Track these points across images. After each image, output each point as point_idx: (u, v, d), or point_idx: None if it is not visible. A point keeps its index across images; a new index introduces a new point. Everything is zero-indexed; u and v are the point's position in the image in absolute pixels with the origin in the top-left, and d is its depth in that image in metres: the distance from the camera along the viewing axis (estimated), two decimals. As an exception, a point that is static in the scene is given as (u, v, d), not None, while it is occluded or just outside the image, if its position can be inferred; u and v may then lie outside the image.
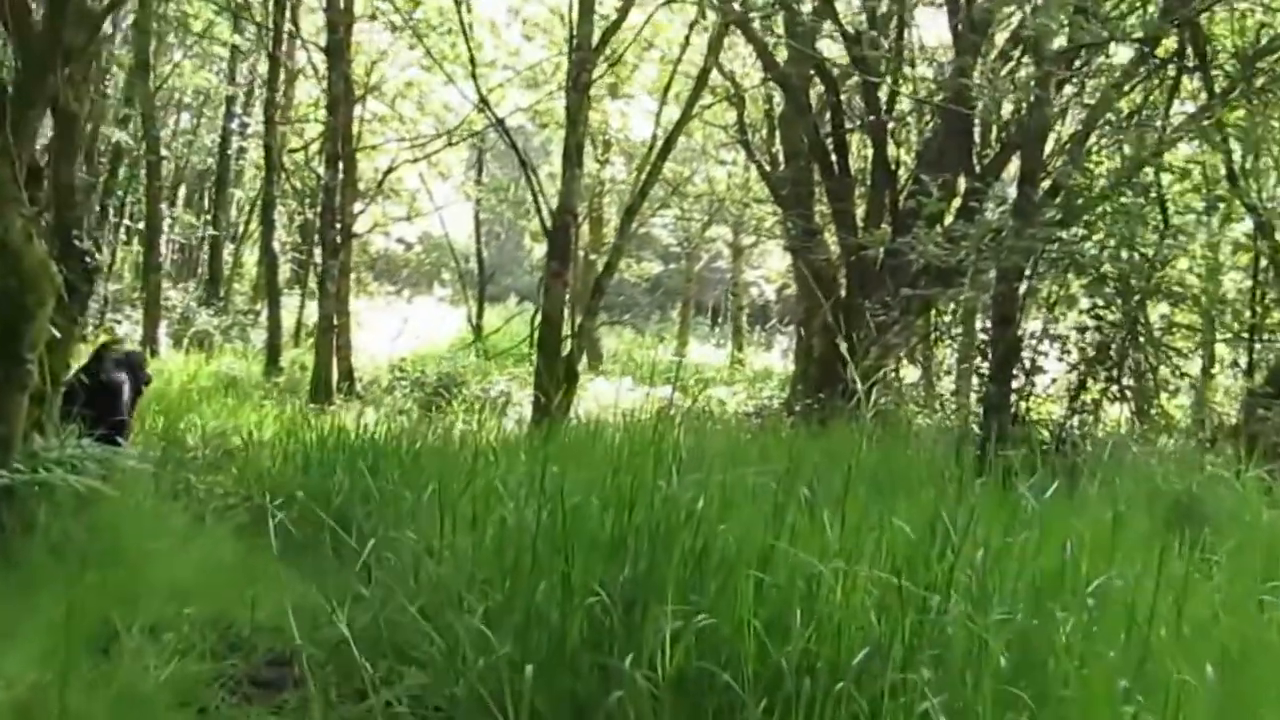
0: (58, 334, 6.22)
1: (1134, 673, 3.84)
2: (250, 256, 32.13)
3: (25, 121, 5.58)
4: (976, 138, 16.23)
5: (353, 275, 24.00)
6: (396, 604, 4.81)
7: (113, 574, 5.62)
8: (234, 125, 29.98)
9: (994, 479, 7.79)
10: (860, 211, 17.66)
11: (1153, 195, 13.39)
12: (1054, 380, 12.91)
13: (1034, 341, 12.58)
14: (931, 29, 18.36)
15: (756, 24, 17.73)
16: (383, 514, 6.54)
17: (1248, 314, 14.90)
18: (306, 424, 12.37)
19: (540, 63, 24.44)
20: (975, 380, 14.12)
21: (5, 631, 4.69)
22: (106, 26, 19.09)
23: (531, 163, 17.43)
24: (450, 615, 4.43)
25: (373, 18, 22.84)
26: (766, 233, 28.17)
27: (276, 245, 24.15)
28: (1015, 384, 11.82)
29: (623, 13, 15.50)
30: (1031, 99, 11.79)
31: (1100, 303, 12.64)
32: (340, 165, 19.35)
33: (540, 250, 26.31)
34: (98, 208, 24.91)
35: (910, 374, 17.73)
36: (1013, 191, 14.51)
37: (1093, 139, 13.96)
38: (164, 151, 26.33)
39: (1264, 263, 14.48)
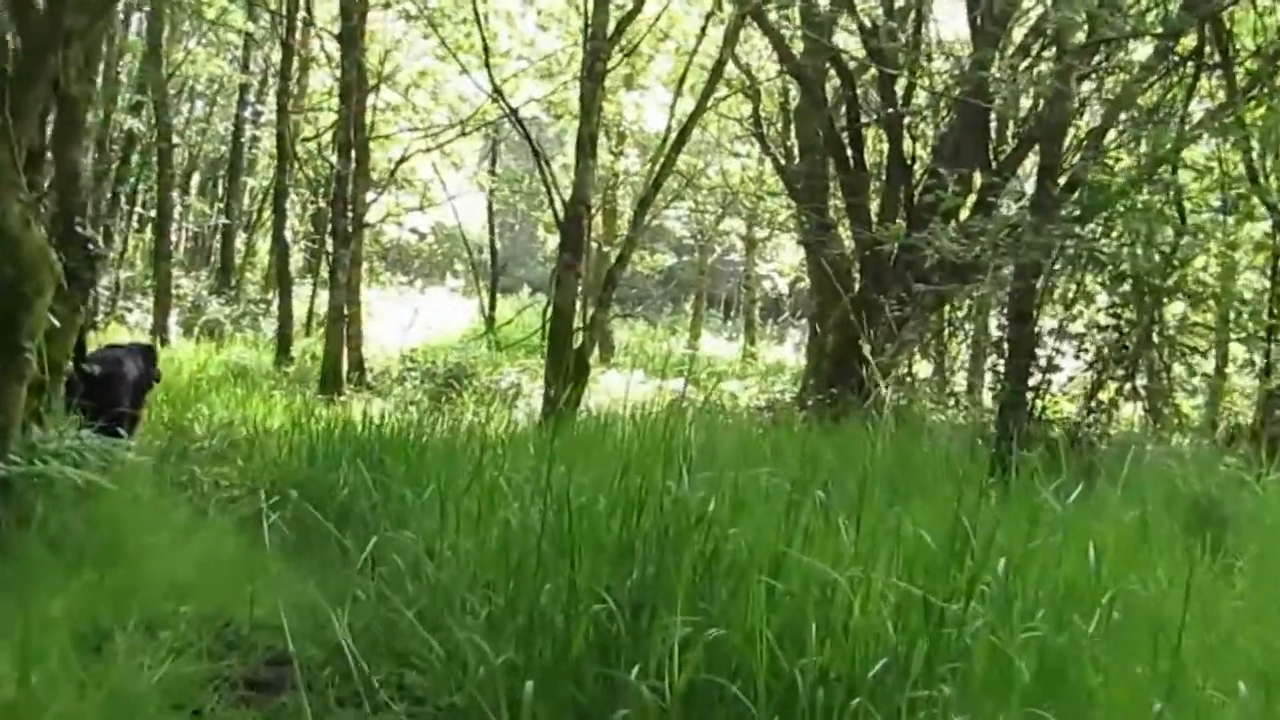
0: (57, 323, 6.10)
1: (1165, 691, 3.69)
2: (263, 245, 32.04)
3: (25, 104, 5.45)
4: (993, 133, 16.07)
5: (365, 265, 23.94)
6: (401, 601, 4.68)
7: (110, 569, 5.50)
8: (247, 113, 29.88)
9: (1012, 479, 7.66)
10: (875, 206, 17.51)
11: (1171, 193, 13.21)
12: (1071, 379, 12.78)
13: (1050, 339, 12.44)
14: (949, 24, 18.22)
15: (773, 16, 17.59)
16: (387, 510, 6.42)
17: (1265, 314, 14.70)
18: (314, 415, 12.31)
19: (555, 53, 24.29)
20: (990, 377, 13.99)
21: (-2, 629, 4.57)
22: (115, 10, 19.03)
23: (545, 154, 17.30)
24: (451, 619, 4.30)
25: (386, 6, 22.68)
26: (780, 226, 28.03)
27: (289, 234, 24.06)
28: (1031, 381, 11.69)
29: (639, 2, 15.34)
30: (1052, 93, 11.62)
31: (1118, 301, 12.51)
32: (353, 154, 19.24)
33: (553, 242, 26.16)
34: (109, 195, 24.85)
35: (923, 369, 17.59)
36: (1030, 187, 14.38)
37: (1111, 135, 13.81)
38: (177, 139, 26.27)
39: (1283, 263, 14.29)
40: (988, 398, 14.03)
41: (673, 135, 16.23)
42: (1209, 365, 15.30)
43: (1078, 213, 12.07)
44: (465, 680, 4.05)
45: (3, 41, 5.90)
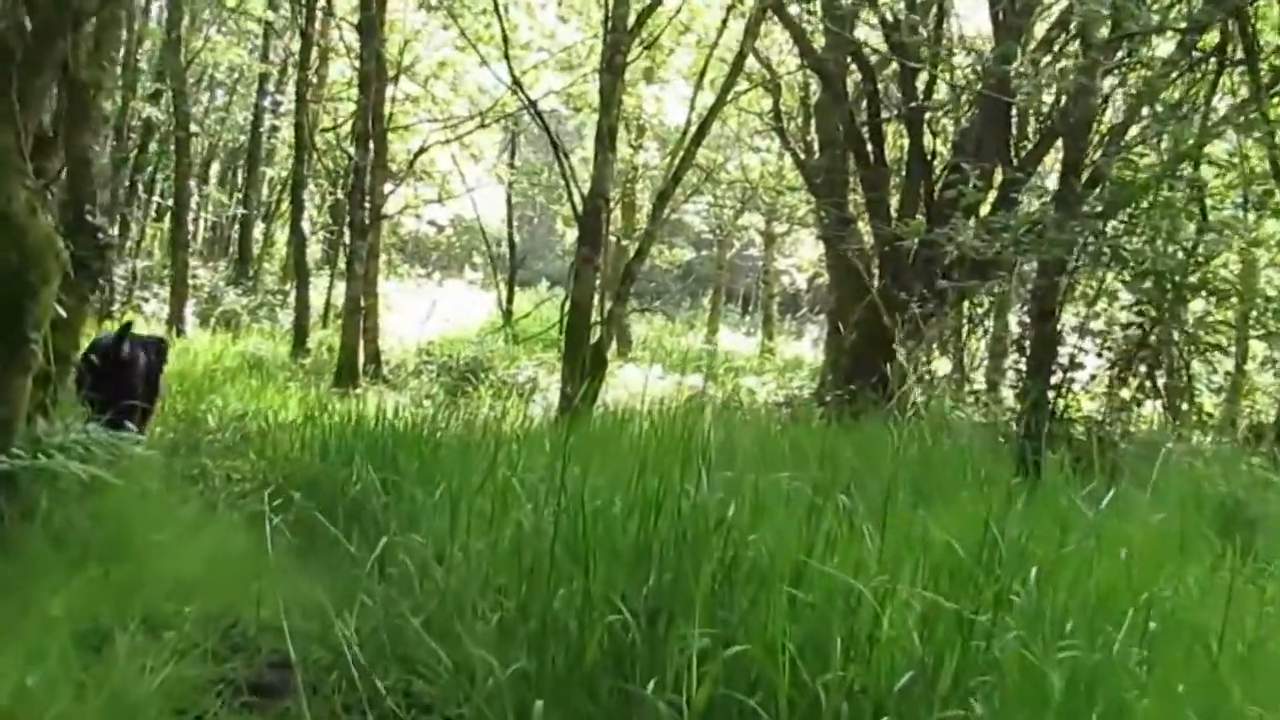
0: (64, 313, 5.98)
1: (1205, 709, 3.53)
2: (281, 236, 31.98)
3: (32, 89, 5.33)
4: (1014, 128, 15.91)
5: (383, 257, 23.81)
6: (408, 607, 4.54)
7: (115, 566, 5.37)
8: (266, 103, 29.80)
9: (1037, 480, 7.51)
10: (895, 202, 17.37)
11: (1193, 190, 13.05)
12: (1093, 377, 12.64)
13: (1073, 336, 12.30)
14: (971, 19, 18.08)
15: (794, 9, 17.46)
16: (398, 509, 6.28)
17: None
18: (328, 409, 12.20)
19: (575, 45, 24.15)
20: (1011, 375, 13.87)
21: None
22: None
23: (564, 146, 17.19)
24: (460, 625, 4.16)
25: (406, -5, 22.63)
26: (799, 222, 27.89)
27: (306, 225, 24.00)
28: (1053, 380, 11.56)
29: (658, -5, 15.21)
30: (1076, 88, 11.45)
31: (1142, 298, 12.36)
32: (371, 145, 19.13)
33: (572, 235, 26.04)
34: (127, 184, 24.81)
35: (942, 366, 17.45)
36: (1051, 183, 14.21)
37: (1135, 130, 13.64)
38: (195, 128, 26.21)
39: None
40: (1009, 396, 13.88)
41: (692, 129, 16.11)
42: (1230, 363, 15.13)
43: (1100, 209, 11.92)
44: (474, 691, 3.91)
45: (20, 26, 5.76)
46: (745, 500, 4.33)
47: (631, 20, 14.14)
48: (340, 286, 23.09)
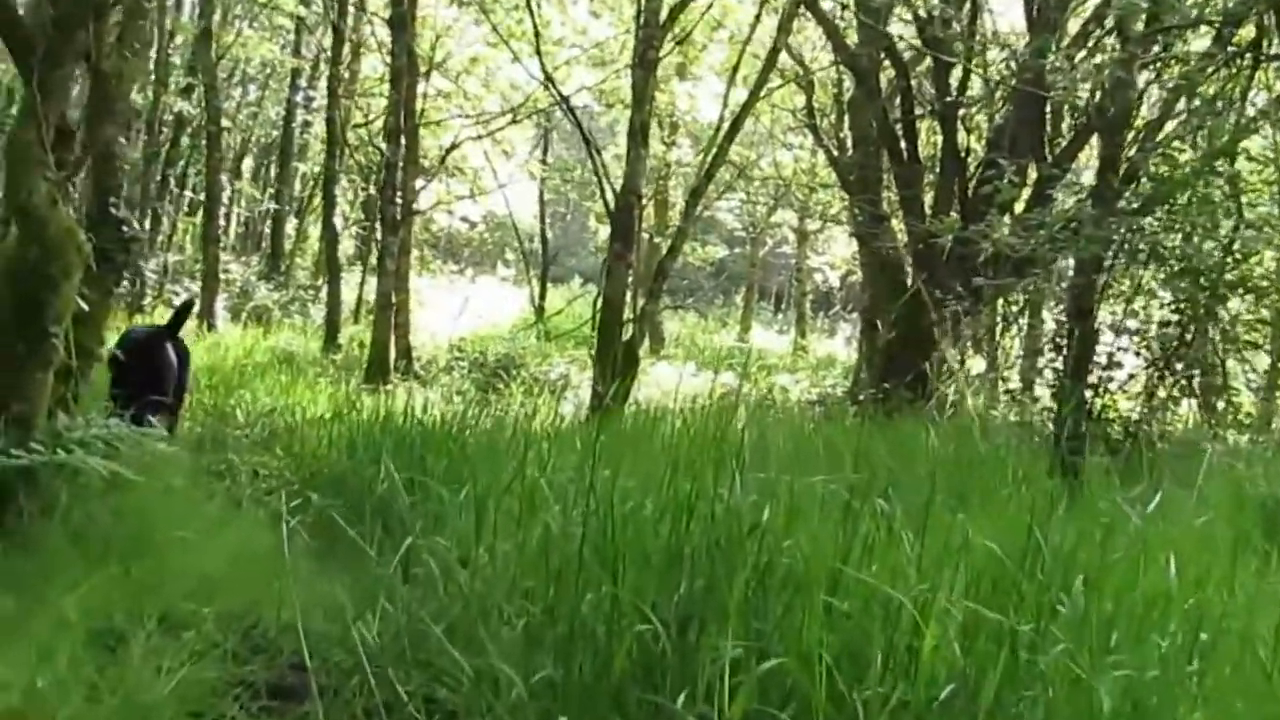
0: (87, 306, 5.89)
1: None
2: (313, 231, 32.01)
3: (53, 80, 5.23)
4: (1050, 124, 15.73)
5: (415, 253, 23.79)
6: (430, 611, 4.42)
7: (135, 564, 5.27)
8: (298, 98, 29.82)
9: (1076, 482, 7.33)
10: (929, 198, 17.20)
11: (1230, 186, 12.85)
12: (1131, 376, 12.47)
13: (1110, 334, 12.15)
14: (1005, 15, 17.93)
15: (827, 4, 17.33)
16: (425, 508, 6.15)
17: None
18: (358, 405, 12.12)
19: (607, 40, 24.05)
20: (1049, 374, 13.70)
21: (9, 627, 4.34)
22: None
23: (596, 142, 17.10)
24: (484, 631, 4.03)
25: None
26: (833, 219, 27.72)
27: (338, 221, 23.99)
28: (1091, 378, 11.41)
29: (692, -11, 15.11)
30: (1113, 82, 11.28)
31: (1179, 296, 12.19)
32: (403, 141, 19.09)
33: (605, 232, 25.92)
34: (159, 178, 24.86)
35: (977, 365, 17.28)
36: (1087, 179, 14.05)
37: (1171, 126, 13.46)
38: (228, 123, 26.24)
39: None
40: (1044, 395, 13.71)
41: (725, 126, 15.99)
42: (1267, 361, 14.92)
43: (1137, 205, 11.76)
44: (497, 701, 3.77)
45: (43, 18, 5.67)
46: (780, 503, 4.18)
47: (664, 15, 14.03)
48: (372, 282, 23.08)
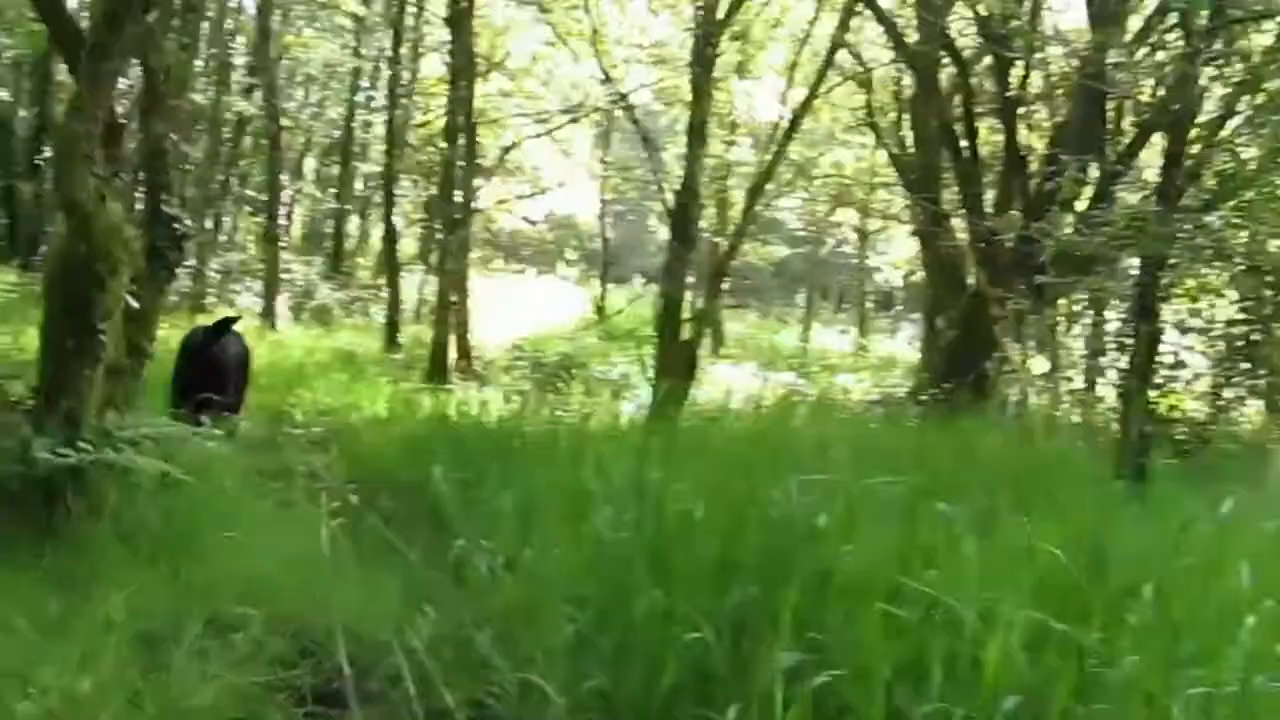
0: (139, 304, 5.84)
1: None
2: (375, 231, 32.10)
3: (101, 74, 5.18)
4: (1112, 120, 15.45)
5: (474, 252, 23.79)
6: (479, 616, 4.31)
7: (184, 565, 5.21)
8: (359, 98, 29.91)
9: (1142, 484, 7.12)
10: (990, 197, 16.96)
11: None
12: (1197, 376, 12.24)
13: (1175, 334, 11.92)
14: (1066, 13, 17.65)
15: (886, 3, 17.13)
16: (478, 510, 6.06)
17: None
18: (416, 405, 12.10)
19: (666, 39, 23.90)
20: (1112, 374, 13.49)
21: (53, 629, 4.28)
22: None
23: (656, 141, 17.00)
24: (533, 637, 3.91)
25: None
26: (894, 218, 27.44)
27: (399, 221, 24.05)
28: (1156, 379, 11.19)
29: (750, -14, 14.97)
30: (1177, 77, 11.04)
31: (1245, 295, 11.93)
32: (462, 140, 19.07)
33: (665, 231, 25.82)
34: (221, 178, 25.03)
35: (1040, 365, 17.05)
36: (1150, 176, 13.80)
37: (1235, 121, 13.17)
38: (290, 123, 26.36)
39: None
40: (1107, 395, 13.48)
41: (784, 124, 15.84)
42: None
43: (1202, 202, 11.52)
44: (547, 711, 3.65)
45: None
46: (837, 507, 4.04)
47: (721, 13, 13.91)
48: (432, 281, 23.11)
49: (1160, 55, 13.92)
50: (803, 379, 19.75)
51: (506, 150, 24.74)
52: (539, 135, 25.23)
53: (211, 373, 8.66)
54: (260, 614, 4.80)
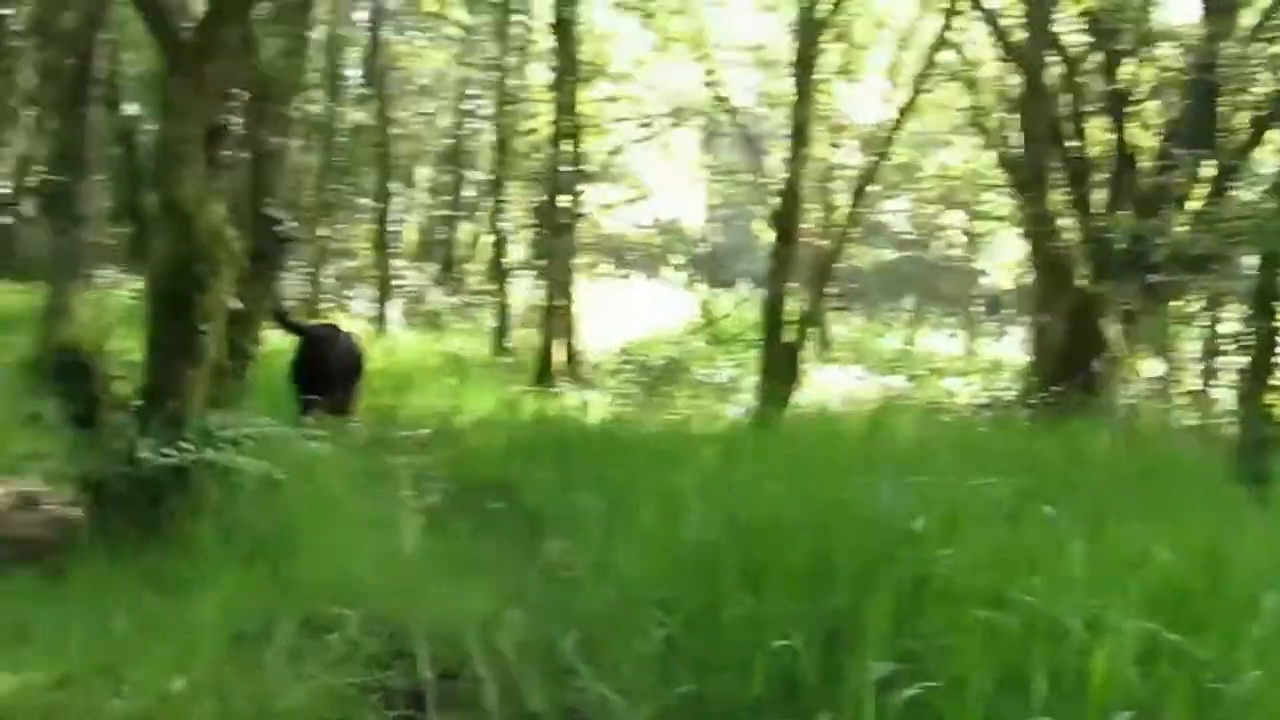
0: (242, 305, 5.90)
1: None
2: (485, 237, 32.33)
3: (206, 76, 5.23)
4: (1224, 117, 15.05)
5: (581, 257, 23.83)
6: (570, 618, 4.26)
7: (283, 564, 5.24)
8: (468, 106, 30.17)
9: (1263, 489, 6.85)
10: (1100, 197, 16.59)
11: None
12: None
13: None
14: (1178, 10, 17.20)
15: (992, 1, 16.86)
16: (577, 513, 6.01)
17: None
18: (521, 409, 12.14)
19: (770, 42, 23.76)
20: (1229, 376, 13.14)
21: (152, 627, 4.32)
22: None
23: (760, 145, 16.93)
24: (622, 641, 3.84)
25: (600, -5, 22.54)
26: (1002, 219, 26.99)
27: (507, 226, 24.21)
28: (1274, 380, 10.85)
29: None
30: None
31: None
32: (568, 146, 19.13)
33: (770, 235, 25.66)
34: (335, 186, 25.38)
35: (1153, 367, 16.65)
36: (1267, 172, 13.46)
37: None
38: (401, 132, 26.68)
39: None
40: (1223, 397, 13.12)
41: (889, 126, 15.68)
42: None
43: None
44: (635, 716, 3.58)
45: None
46: (937, 509, 3.91)
47: (824, 14, 13.80)
48: (540, 286, 23.22)
49: (1276, 48, 13.56)
50: (908, 382, 19.49)
51: (611, 156, 24.77)
52: (643, 140, 25.25)
53: (323, 374, 8.78)
54: (356, 614, 4.81)
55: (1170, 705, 3.14)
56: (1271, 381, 10.70)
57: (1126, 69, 16.06)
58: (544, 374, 17.37)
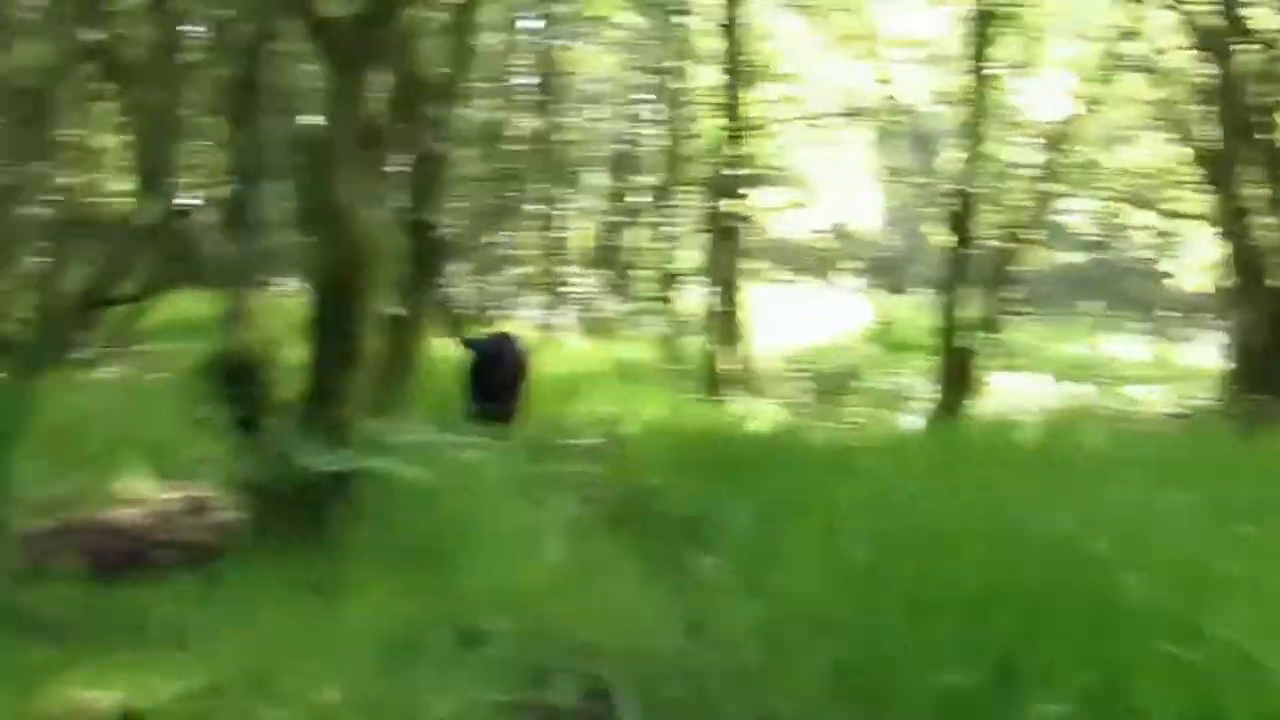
0: (404, 310, 5.89)
1: None
2: (654, 243, 32.38)
3: (357, 78, 5.19)
4: None
5: (750, 262, 23.66)
6: (728, 640, 4.08)
7: (439, 572, 5.18)
8: (637, 110, 30.24)
9: None
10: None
11: None
12: None
13: None
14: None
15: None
16: (739, 526, 5.83)
17: None
18: (688, 417, 12.02)
19: (942, 37, 23.24)
20: None
21: (305, 637, 4.28)
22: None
23: (934, 145, 16.60)
24: (779, 668, 3.65)
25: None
26: (1195, 218, 25.97)
27: (677, 232, 24.18)
28: None
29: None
30: None
31: None
32: (736, 149, 18.99)
33: (946, 238, 25.11)
34: (505, 193, 25.65)
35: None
36: None
37: None
38: (570, 137, 26.86)
39: None
40: None
41: (1070, 121, 15.19)
42: None
43: None
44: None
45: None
46: (1122, 529, 3.63)
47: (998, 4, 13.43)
48: (710, 293, 23.11)
49: None
50: (1092, 390, 18.87)
51: (782, 158, 24.54)
52: (813, 142, 24.98)
53: (491, 382, 8.80)
54: (512, 626, 4.72)
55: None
56: None
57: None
58: (713, 381, 17.24)
